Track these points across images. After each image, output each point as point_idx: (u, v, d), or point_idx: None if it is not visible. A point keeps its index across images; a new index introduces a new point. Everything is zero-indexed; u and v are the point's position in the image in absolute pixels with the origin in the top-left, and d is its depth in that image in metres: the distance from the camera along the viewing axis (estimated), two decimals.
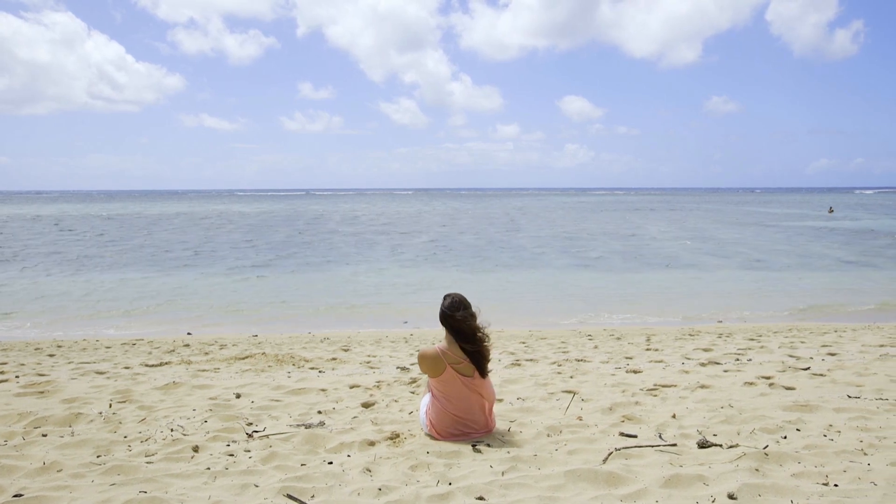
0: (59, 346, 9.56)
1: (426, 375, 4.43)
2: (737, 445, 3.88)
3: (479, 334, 4.22)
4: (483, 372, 4.25)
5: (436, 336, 10.49)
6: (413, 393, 5.73)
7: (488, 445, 4.07)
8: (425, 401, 4.43)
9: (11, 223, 45.64)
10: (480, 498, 3.14)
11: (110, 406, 5.20)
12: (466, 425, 4.23)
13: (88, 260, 23.17)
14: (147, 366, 7.63)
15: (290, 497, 3.04)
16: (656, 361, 7.50)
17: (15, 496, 3.23)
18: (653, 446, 3.92)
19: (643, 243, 30.08)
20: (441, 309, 4.27)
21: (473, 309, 4.29)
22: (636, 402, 5.18)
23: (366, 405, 5.30)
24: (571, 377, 6.44)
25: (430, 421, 4.29)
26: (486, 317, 4.33)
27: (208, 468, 3.63)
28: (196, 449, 4.02)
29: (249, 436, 4.34)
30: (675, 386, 5.87)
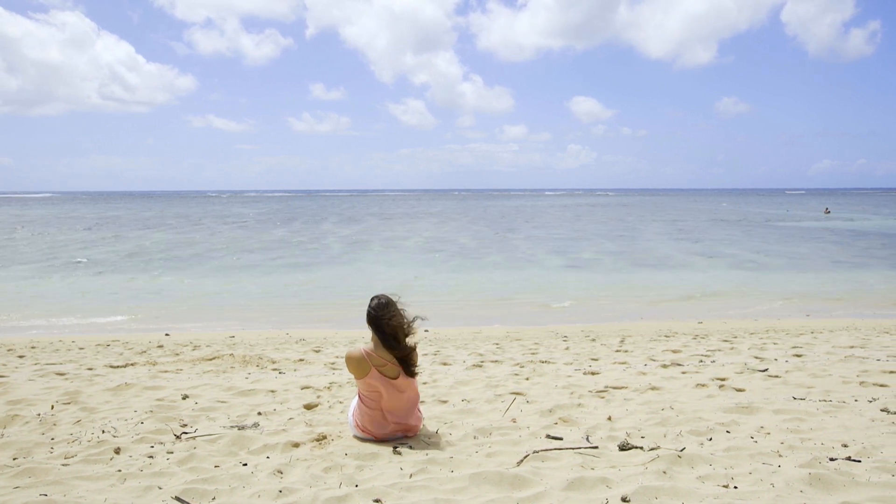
0: (33, 347, 9.60)
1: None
2: (657, 448, 3.84)
3: (405, 336, 4.19)
4: (409, 373, 4.22)
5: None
6: None
7: (410, 448, 4.04)
8: (354, 402, 4.42)
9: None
10: (377, 500, 3.11)
11: (52, 408, 5.21)
12: (391, 426, 4.20)
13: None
14: (111, 367, 7.64)
15: (178, 500, 3.03)
16: (620, 363, 7.44)
17: None
18: (573, 449, 3.88)
19: (638, 244, 29.94)
20: (367, 310, 4.26)
21: (401, 310, 4.27)
22: (579, 405, 5.14)
23: (308, 407, 5.28)
24: (527, 379, 6.40)
25: (357, 422, 4.27)
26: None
27: (120, 470, 3.62)
28: (118, 451, 4.01)
29: (178, 437, 4.33)
30: (626, 388, 5.82)
